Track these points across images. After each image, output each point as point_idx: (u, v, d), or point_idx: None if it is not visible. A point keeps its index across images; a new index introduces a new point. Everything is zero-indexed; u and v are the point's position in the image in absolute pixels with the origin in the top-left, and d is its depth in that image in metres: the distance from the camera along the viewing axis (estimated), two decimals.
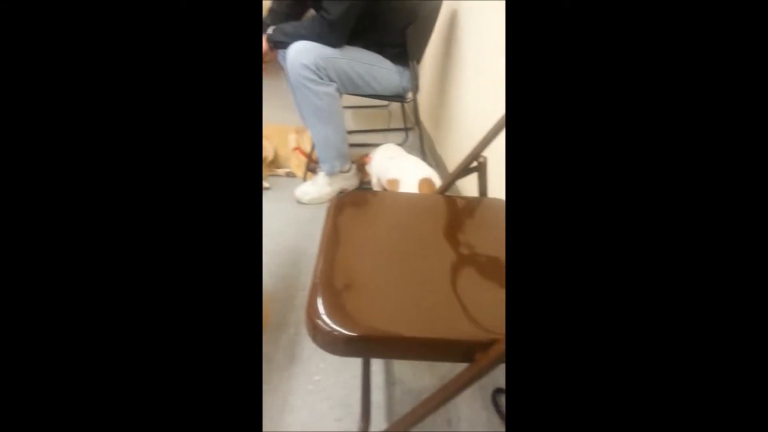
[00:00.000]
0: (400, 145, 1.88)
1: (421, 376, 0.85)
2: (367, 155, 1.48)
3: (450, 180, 0.78)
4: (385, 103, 2.29)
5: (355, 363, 0.86)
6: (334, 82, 1.27)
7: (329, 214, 0.69)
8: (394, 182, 1.29)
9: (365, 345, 0.48)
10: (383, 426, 0.74)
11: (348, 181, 1.47)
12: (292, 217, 1.37)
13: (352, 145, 1.46)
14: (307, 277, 1.10)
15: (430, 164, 1.60)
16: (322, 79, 1.24)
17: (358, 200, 0.74)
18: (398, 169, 1.32)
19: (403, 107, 1.97)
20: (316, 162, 1.45)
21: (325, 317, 0.48)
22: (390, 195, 0.79)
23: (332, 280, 0.54)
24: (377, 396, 0.79)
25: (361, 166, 1.52)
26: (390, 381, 0.83)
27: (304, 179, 1.53)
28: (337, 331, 0.47)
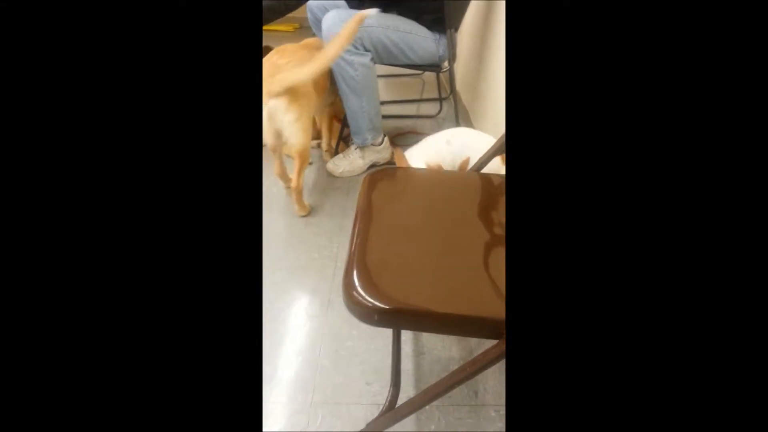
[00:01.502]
0: (433, 116, 1.84)
1: (449, 347, 0.87)
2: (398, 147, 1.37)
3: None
4: (418, 71, 2.23)
5: (386, 332, 0.89)
6: (369, 51, 1.24)
7: (363, 190, 0.70)
8: (467, 161, 1.16)
9: (398, 318, 0.50)
10: (411, 393, 0.78)
11: (380, 154, 1.47)
12: (325, 189, 1.40)
13: (384, 117, 1.44)
14: (339, 249, 1.13)
15: None
16: (357, 48, 1.22)
17: (391, 176, 0.74)
18: (470, 148, 1.16)
19: (438, 76, 1.91)
20: (349, 134, 1.45)
21: (360, 290, 0.50)
22: (424, 172, 0.79)
23: (367, 254, 0.56)
24: (406, 364, 0.83)
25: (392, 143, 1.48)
26: (419, 351, 0.86)
27: (337, 151, 1.54)
28: (371, 303, 0.49)
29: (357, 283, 0.51)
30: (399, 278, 0.53)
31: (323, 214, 1.27)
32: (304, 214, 1.25)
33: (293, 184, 1.20)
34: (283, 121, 1.09)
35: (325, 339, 0.89)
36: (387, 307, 0.49)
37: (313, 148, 1.61)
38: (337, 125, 1.57)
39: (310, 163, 1.51)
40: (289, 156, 1.29)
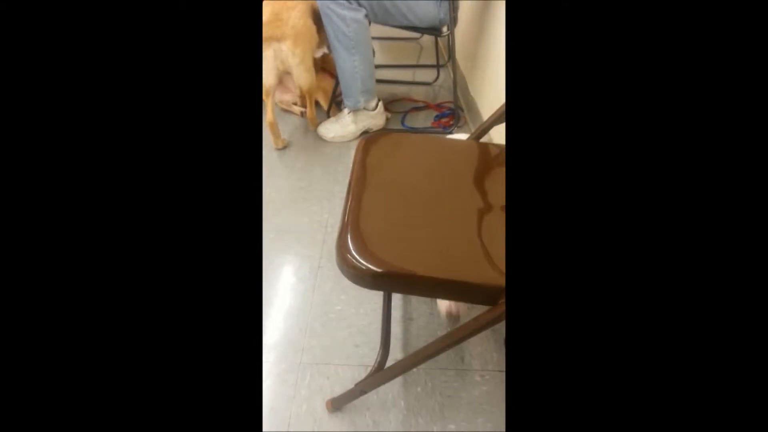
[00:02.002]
0: (429, 84, 1.79)
1: (437, 314, 0.89)
2: None
3: (484, 126, 0.75)
4: (416, 35, 2.15)
5: (374, 296, 0.90)
6: (363, 8, 1.18)
7: (358, 153, 0.68)
8: None
9: (390, 281, 0.50)
10: (399, 356, 0.80)
11: (374, 120, 1.43)
12: (316, 154, 1.36)
13: (378, 81, 1.39)
14: (329, 215, 1.12)
15: (460, 106, 1.53)
16: (350, 2, 1.15)
17: (388, 140, 0.72)
18: None
19: (436, 41, 1.84)
20: (341, 96, 1.40)
21: (354, 253, 0.50)
22: (421, 138, 0.77)
23: (361, 218, 0.55)
24: (395, 329, 0.84)
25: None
26: (407, 316, 0.88)
27: (328, 114, 1.49)
28: (365, 266, 0.49)
29: (351, 246, 0.51)
30: (393, 242, 0.53)
31: (314, 179, 1.25)
32: (314, 128, 1.39)
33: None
34: (289, 63, 1.18)
35: (314, 303, 0.89)
36: (380, 270, 0.48)
37: (295, 115, 1.55)
38: (330, 81, 1.51)
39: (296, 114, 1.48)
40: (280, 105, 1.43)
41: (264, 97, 1.26)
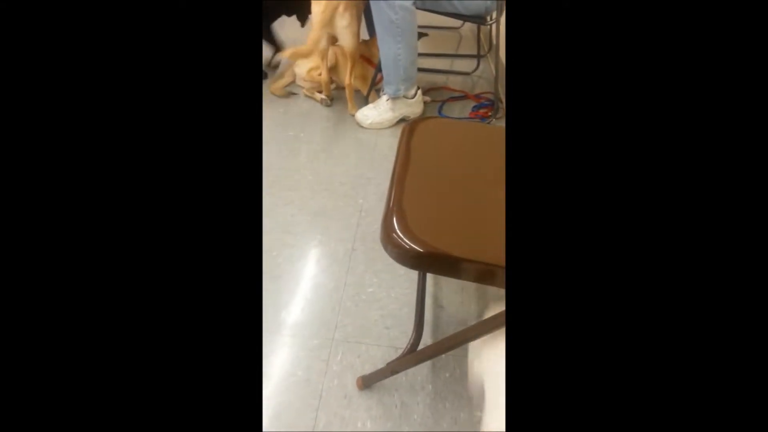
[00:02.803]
0: (468, 74, 1.76)
1: (468, 304, 0.89)
2: None
3: None
4: (457, 24, 2.11)
5: (405, 281, 0.91)
6: None
7: (403, 138, 0.68)
8: None
9: (432, 261, 0.51)
10: (429, 341, 0.81)
11: (411, 108, 1.43)
12: (353, 140, 1.38)
13: (417, 70, 1.38)
14: (364, 200, 1.13)
15: (500, 98, 1.50)
16: None
17: (431, 126, 0.73)
18: None
19: (478, 31, 1.80)
20: (381, 82, 1.40)
21: (399, 233, 0.51)
22: (464, 124, 0.76)
23: (405, 200, 0.56)
24: (426, 315, 0.85)
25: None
26: (438, 303, 0.89)
27: (367, 100, 1.50)
28: (408, 246, 0.50)
29: (396, 226, 0.52)
30: (434, 224, 0.53)
31: (349, 165, 1.26)
32: (353, 112, 1.44)
33: (346, 82, 1.43)
34: (337, 26, 1.31)
35: (348, 283, 0.91)
36: (421, 250, 0.49)
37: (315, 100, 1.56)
38: (369, 68, 1.52)
39: (329, 105, 1.53)
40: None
41: (320, 59, 1.43)
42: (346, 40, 1.35)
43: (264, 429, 0.68)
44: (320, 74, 1.48)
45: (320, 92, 1.54)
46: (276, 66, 1.80)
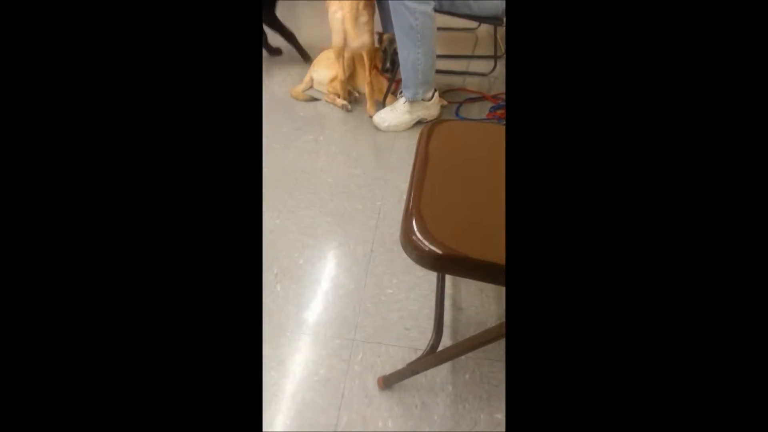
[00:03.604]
0: (485, 75, 1.75)
1: (488, 306, 0.89)
2: None
3: None
4: (473, 25, 2.10)
5: (424, 283, 0.92)
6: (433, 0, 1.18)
7: (421, 140, 0.69)
8: None
9: (451, 263, 0.52)
10: (448, 343, 0.81)
11: (428, 110, 1.44)
12: (370, 143, 1.39)
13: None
14: (382, 202, 1.14)
15: None
16: None
17: (449, 128, 0.73)
18: None
19: (495, 32, 1.79)
20: (399, 85, 1.41)
21: (419, 235, 0.51)
22: (482, 126, 0.77)
23: (424, 202, 0.56)
24: (445, 316, 0.86)
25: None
26: (457, 306, 0.89)
27: (384, 104, 1.51)
28: (428, 248, 0.50)
29: (415, 228, 0.52)
30: (453, 226, 0.54)
31: (368, 168, 1.28)
32: (372, 113, 1.47)
33: (366, 80, 1.47)
34: (359, 23, 1.35)
35: (367, 284, 0.92)
36: (440, 252, 0.50)
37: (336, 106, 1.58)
38: (381, 79, 1.53)
39: (349, 111, 1.54)
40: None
41: (335, 56, 1.46)
42: (365, 37, 1.39)
43: (287, 427, 0.70)
44: (340, 80, 1.51)
45: (340, 97, 1.57)
46: (279, 52, 1.88)
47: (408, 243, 0.52)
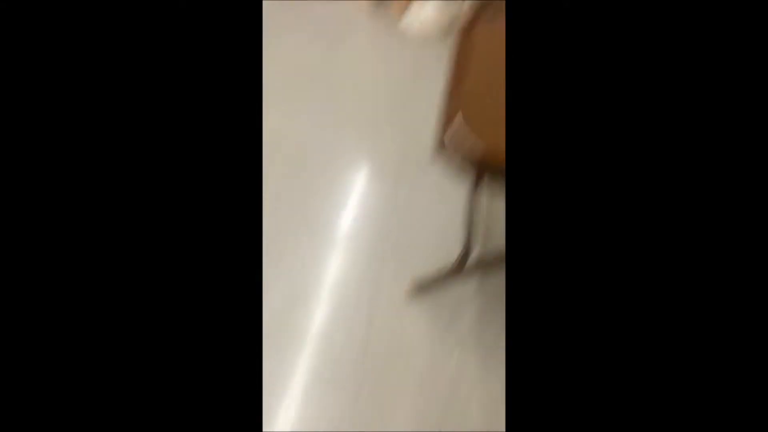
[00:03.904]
0: None
1: None
2: None
3: None
4: None
5: (450, 201, 0.91)
6: None
7: (455, 47, 0.63)
8: None
9: (488, 165, 0.52)
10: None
11: (462, 8, 1.27)
12: (396, 56, 1.28)
13: None
14: (416, 118, 1.09)
15: None
16: None
17: (486, 31, 0.65)
18: None
19: None
20: None
21: (455, 139, 0.51)
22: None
23: (462, 103, 0.54)
24: (476, 232, 0.86)
25: None
26: (487, 222, 0.89)
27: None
28: (466, 146, 0.50)
29: (451, 131, 0.51)
30: (492, 127, 0.52)
31: (397, 83, 1.19)
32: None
33: None
34: None
35: (397, 206, 0.93)
36: (477, 155, 0.50)
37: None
38: None
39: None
40: None
41: None
42: None
43: (316, 320, 0.76)
44: None
45: None
46: None
47: (446, 146, 0.50)
